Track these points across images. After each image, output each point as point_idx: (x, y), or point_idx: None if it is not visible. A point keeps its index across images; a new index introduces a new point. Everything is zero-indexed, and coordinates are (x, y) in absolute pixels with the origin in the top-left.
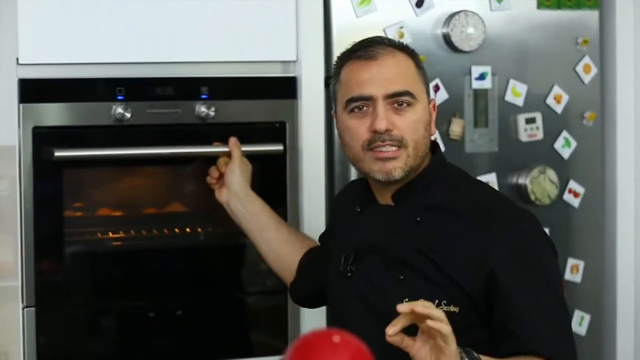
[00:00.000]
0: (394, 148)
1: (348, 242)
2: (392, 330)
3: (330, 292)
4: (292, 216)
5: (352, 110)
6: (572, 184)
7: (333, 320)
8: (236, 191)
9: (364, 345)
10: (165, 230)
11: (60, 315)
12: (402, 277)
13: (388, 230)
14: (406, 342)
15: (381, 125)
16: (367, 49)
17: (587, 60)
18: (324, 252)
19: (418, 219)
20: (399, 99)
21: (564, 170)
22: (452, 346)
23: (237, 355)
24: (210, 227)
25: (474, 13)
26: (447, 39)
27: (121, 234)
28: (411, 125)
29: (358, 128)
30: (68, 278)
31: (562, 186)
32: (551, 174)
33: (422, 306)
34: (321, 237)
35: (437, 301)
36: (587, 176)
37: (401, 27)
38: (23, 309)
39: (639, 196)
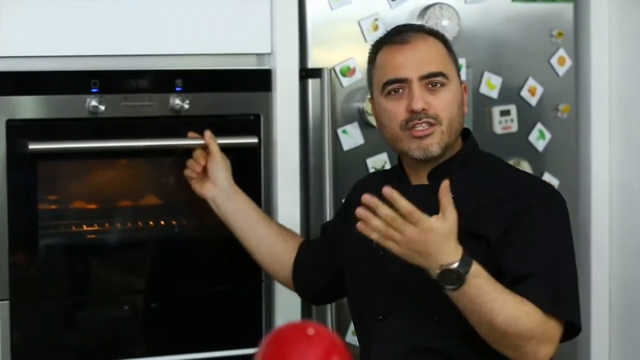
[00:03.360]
0: (429, 126)
1: None
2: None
3: (353, 275)
4: (266, 209)
5: (388, 93)
6: (547, 176)
7: (356, 301)
8: (223, 187)
9: (338, 338)
10: (140, 223)
11: (34, 309)
12: None
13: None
14: None
15: (417, 105)
16: (400, 34)
17: (561, 52)
18: (332, 243)
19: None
20: (432, 80)
21: (539, 162)
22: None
23: (211, 348)
24: (184, 219)
25: (448, 5)
26: None
27: (96, 227)
28: (446, 103)
29: (395, 109)
30: (42, 271)
31: None
32: (526, 166)
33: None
34: (325, 227)
35: None
36: (562, 168)
37: (376, 20)
38: None
39: (613, 189)
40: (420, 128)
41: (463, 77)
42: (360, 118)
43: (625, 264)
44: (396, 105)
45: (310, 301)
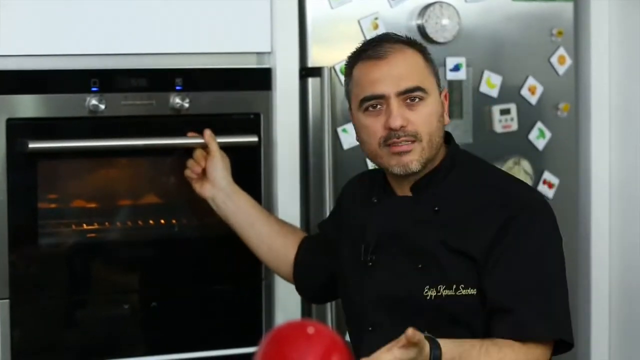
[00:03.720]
0: (409, 143)
1: (366, 232)
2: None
3: (344, 281)
4: (266, 208)
5: (366, 109)
6: (547, 175)
7: (348, 310)
8: (222, 186)
9: (338, 337)
10: (140, 222)
11: (34, 308)
12: (420, 266)
13: (407, 221)
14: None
15: (396, 122)
16: (376, 48)
17: (561, 51)
18: (328, 243)
19: (436, 208)
20: (411, 95)
21: (539, 161)
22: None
23: (211, 347)
24: (184, 218)
25: (448, 4)
26: (421, 30)
27: (95, 226)
28: (425, 119)
29: (373, 126)
30: (42, 270)
31: (537, 177)
32: (525, 165)
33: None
34: (322, 225)
35: (454, 286)
36: (562, 167)
37: (376, 19)
38: None
39: (613, 187)
40: (400, 145)
41: (463, 76)
42: None
43: (625, 262)
44: (374, 122)
45: (312, 300)
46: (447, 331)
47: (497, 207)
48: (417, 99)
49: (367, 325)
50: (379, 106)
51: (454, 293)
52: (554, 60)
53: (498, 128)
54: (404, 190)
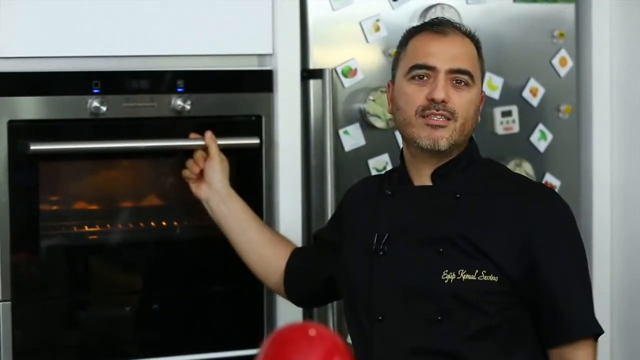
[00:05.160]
0: (444, 119)
1: (378, 224)
2: None
3: (349, 278)
4: (268, 210)
5: (413, 77)
6: (548, 177)
7: (351, 304)
8: (218, 189)
9: (339, 339)
10: (141, 224)
11: (36, 309)
12: (441, 249)
13: (426, 209)
14: None
15: (439, 95)
16: (439, 26)
17: (563, 53)
18: (324, 247)
19: (457, 195)
20: (459, 77)
21: (540, 163)
22: None
23: (212, 349)
24: (186, 220)
25: (450, 6)
26: None
27: (97, 228)
28: (464, 103)
29: (416, 94)
30: (44, 271)
31: (538, 179)
32: (527, 167)
33: None
34: (318, 234)
35: (476, 271)
36: (563, 169)
37: (377, 20)
38: None
39: (615, 189)
40: (436, 118)
41: None
42: (362, 119)
43: (626, 264)
44: (417, 90)
45: (299, 304)
46: (462, 317)
47: (518, 196)
48: (463, 83)
49: (377, 315)
50: (425, 77)
51: (475, 278)
52: (555, 62)
53: (499, 130)
54: (422, 178)
